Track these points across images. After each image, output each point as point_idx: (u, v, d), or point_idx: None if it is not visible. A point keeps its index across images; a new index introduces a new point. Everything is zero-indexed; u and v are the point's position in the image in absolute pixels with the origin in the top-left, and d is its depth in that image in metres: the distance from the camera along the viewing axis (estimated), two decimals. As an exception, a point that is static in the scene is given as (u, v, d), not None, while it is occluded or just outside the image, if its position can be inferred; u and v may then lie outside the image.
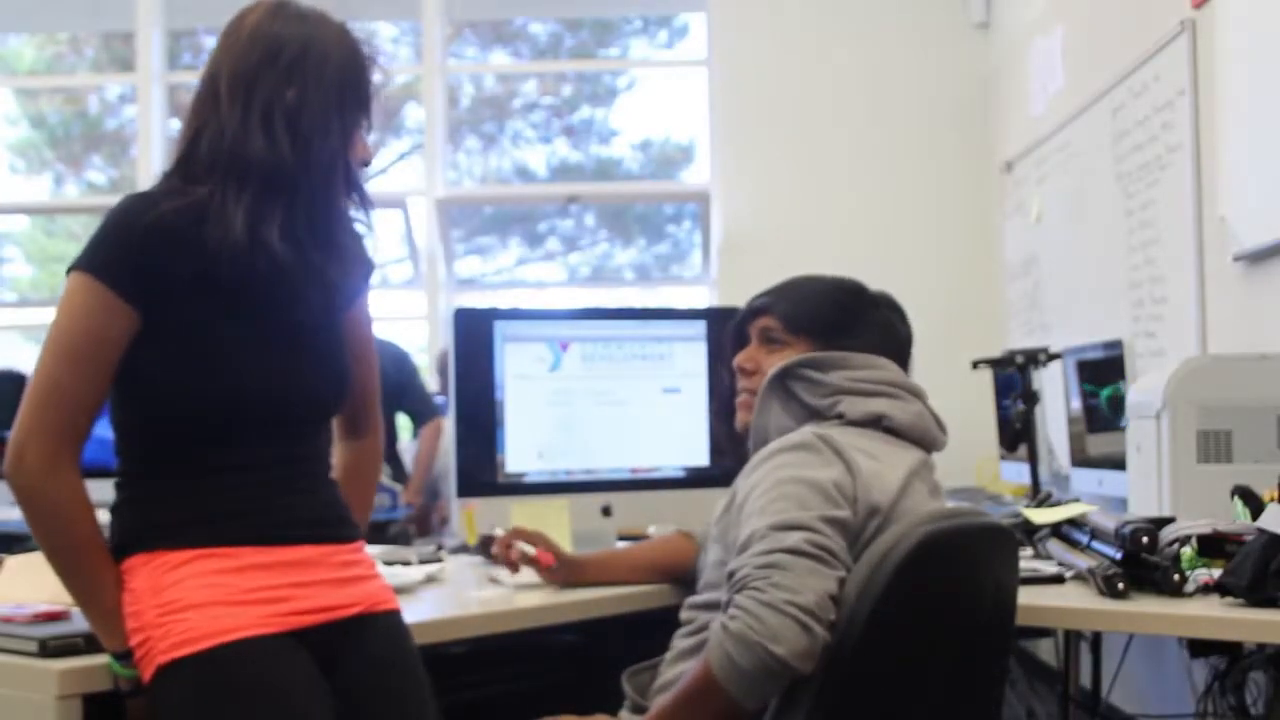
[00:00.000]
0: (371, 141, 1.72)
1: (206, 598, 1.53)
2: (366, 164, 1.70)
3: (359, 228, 1.72)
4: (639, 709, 1.85)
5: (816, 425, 1.81)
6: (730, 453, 2.03)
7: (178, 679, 1.50)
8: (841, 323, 1.92)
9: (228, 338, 1.60)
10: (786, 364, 1.88)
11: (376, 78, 1.69)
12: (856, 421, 1.82)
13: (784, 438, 1.78)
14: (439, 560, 2.43)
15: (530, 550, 2.14)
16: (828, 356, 1.87)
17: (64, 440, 1.52)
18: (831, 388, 1.85)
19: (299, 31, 1.62)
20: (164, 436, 1.60)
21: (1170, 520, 2.10)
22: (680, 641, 1.84)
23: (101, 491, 1.57)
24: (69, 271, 1.56)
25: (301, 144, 1.60)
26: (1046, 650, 4.15)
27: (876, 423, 1.82)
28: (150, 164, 6.37)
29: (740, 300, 2.63)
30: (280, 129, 1.59)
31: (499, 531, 2.25)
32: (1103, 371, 3.33)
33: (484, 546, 2.45)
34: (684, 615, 1.87)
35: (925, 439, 1.87)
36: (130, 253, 1.55)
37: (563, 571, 2.16)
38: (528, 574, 2.18)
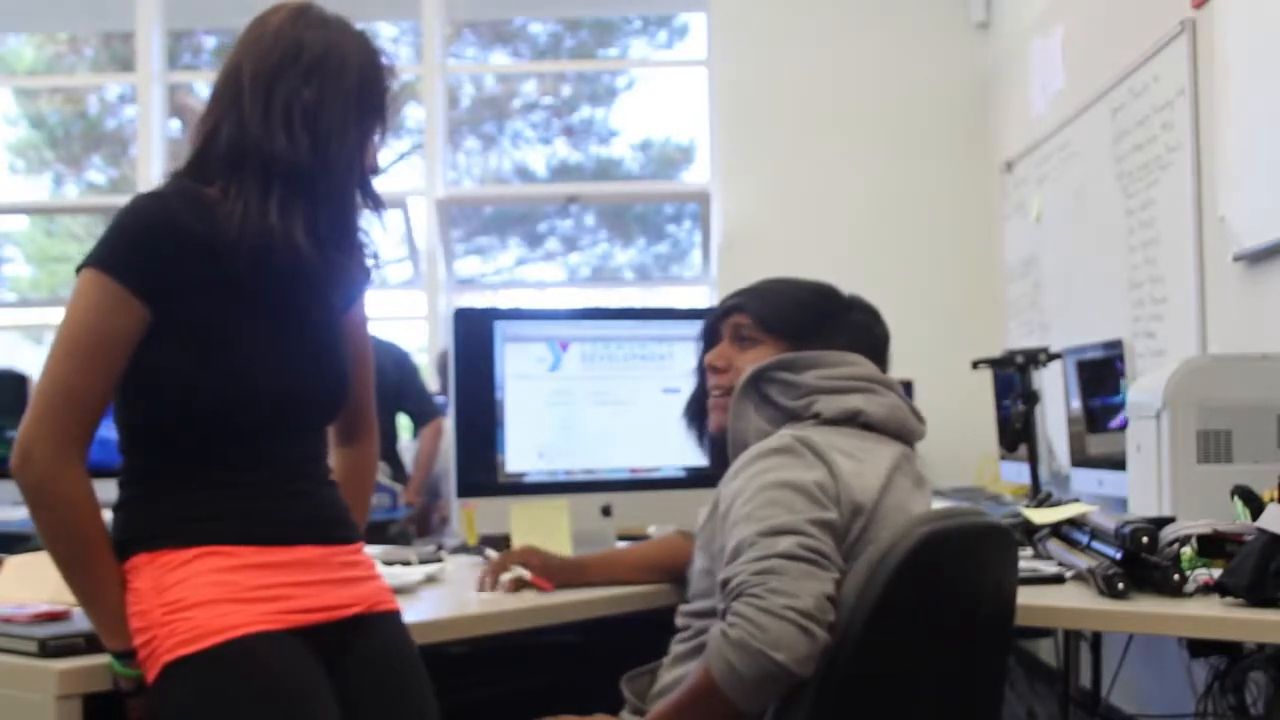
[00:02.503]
0: (379, 155, 1.72)
1: (210, 595, 1.53)
2: (375, 172, 1.71)
3: (366, 233, 1.72)
4: (639, 712, 1.84)
5: (793, 427, 1.80)
6: (705, 452, 2.04)
7: (184, 677, 1.50)
8: (814, 323, 1.90)
9: (238, 336, 1.61)
10: (759, 367, 1.87)
11: (393, 86, 1.70)
12: (832, 420, 1.81)
13: (763, 442, 1.77)
14: (439, 560, 2.43)
15: (526, 574, 2.13)
16: (800, 356, 1.86)
17: (72, 437, 1.52)
18: (805, 388, 1.84)
19: (321, 36, 1.64)
20: (170, 435, 1.60)
21: (1170, 520, 2.10)
22: (677, 646, 1.84)
23: (104, 491, 1.57)
24: (79, 269, 1.56)
25: (320, 145, 1.61)
26: (1046, 650, 4.15)
27: (853, 419, 1.81)
28: (150, 164, 6.37)
29: (740, 300, 2.63)
30: (299, 128, 1.60)
31: (491, 553, 2.24)
32: (1103, 374, 3.33)
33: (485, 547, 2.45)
34: (679, 621, 1.87)
35: (903, 431, 1.86)
36: (143, 250, 1.56)
37: (563, 573, 2.16)
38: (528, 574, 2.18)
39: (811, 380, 1.84)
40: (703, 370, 1.99)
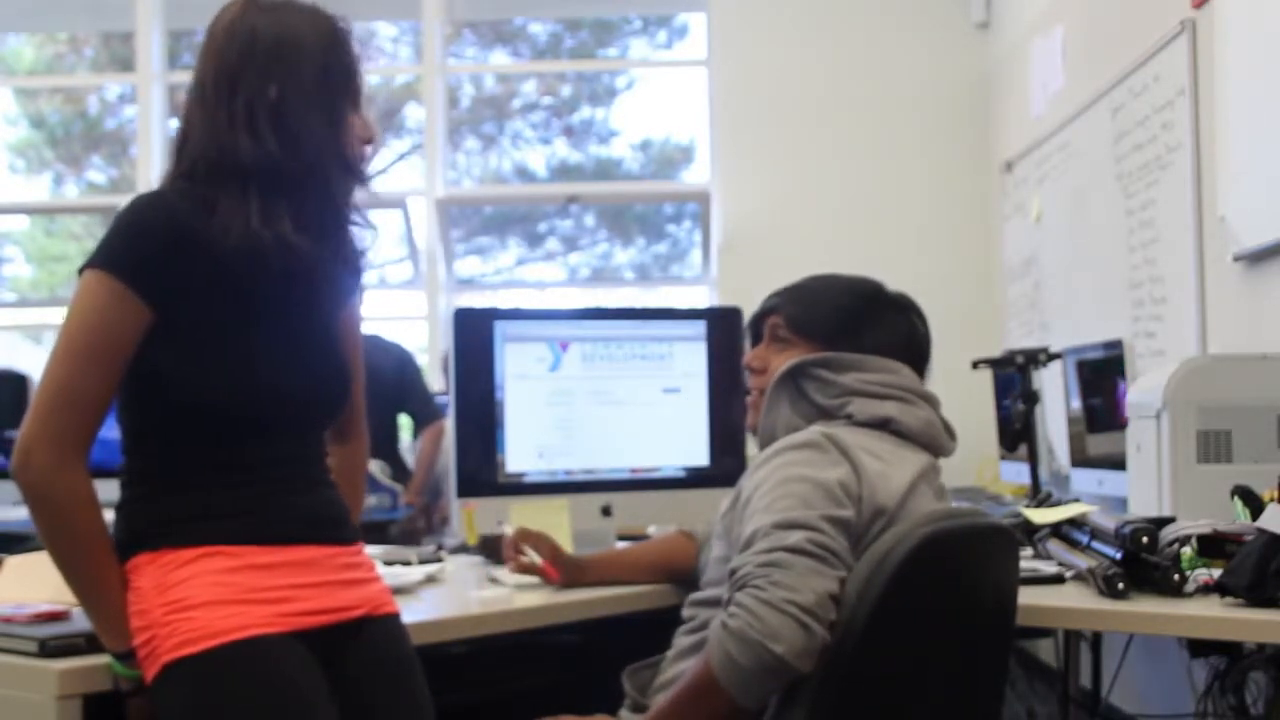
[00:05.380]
0: (370, 125, 1.70)
1: (212, 596, 1.53)
2: (370, 141, 1.68)
3: (357, 227, 1.71)
4: (639, 707, 1.85)
5: (824, 424, 1.81)
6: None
7: (184, 677, 1.50)
8: (848, 326, 1.90)
9: (241, 336, 1.61)
10: (799, 361, 1.87)
11: (355, 50, 1.66)
12: (864, 423, 1.81)
13: (791, 435, 1.78)
14: (439, 560, 2.43)
15: (537, 560, 2.15)
16: (842, 357, 1.87)
17: (72, 439, 1.52)
18: (843, 388, 1.85)
19: (271, 22, 1.61)
20: (173, 435, 1.60)
21: (1170, 520, 2.10)
22: (681, 639, 1.84)
23: (106, 491, 1.57)
24: (81, 270, 1.56)
25: (289, 139, 1.60)
26: (1046, 650, 4.15)
27: (884, 425, 1.82)
28: (150, 164, 6.37)
29: (740, 300, 2.63)
30: (265, 127, 1.59)
31: (507, 529, 2.25)
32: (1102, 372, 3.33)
33: (484, 546, 2.45)
34: (686, 612, 1.87)
35: (934, 445, 1.86)
36: (146, 250, 1.55)
37: (564, 572, 2.16)
38: (539, 560, 2.19)
39: (850, 382, 1.84)
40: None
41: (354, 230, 1.70)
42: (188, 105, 1.64)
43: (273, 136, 1.59)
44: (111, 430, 1.63)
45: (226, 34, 1.61)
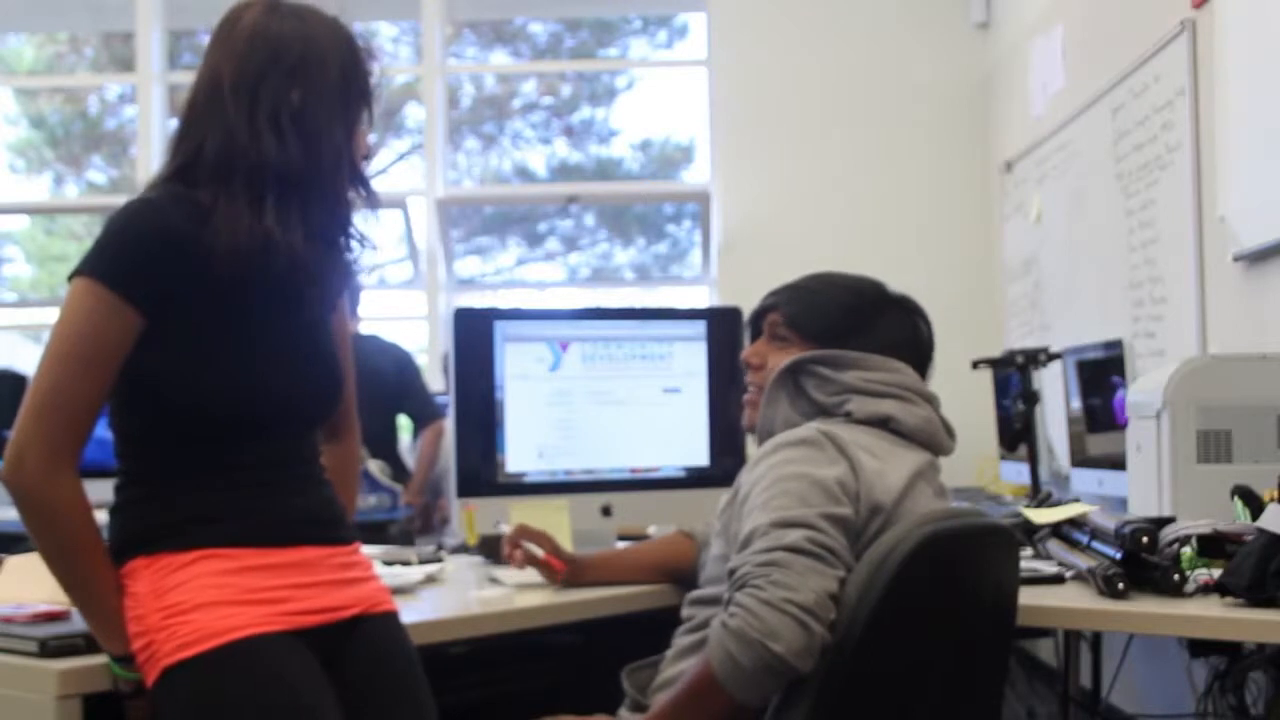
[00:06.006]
0: (371, 139, 1.72)
1: (210, 598, 1.53)
2: (367, 158, 1.71)
3: (359, 229, 1.72)
4: (639, 707, 1.85)
5: (822, 422, 1.80)
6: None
7: (185, 680, 1.50)
8: (847, 326, 1.90)
9: (235, 339, 1.61)
10: (800, 357, 1.87)
11: (374, 69, 1.69)
12: (863, 420, 1.81)
13: (788, 433, 1.78)
14: (439, 560, 2.43)
15: (539, 553, 2.15)
16: (843, 355, 1.87)
17: (64, 445, 1.51)
18: (843, 385, 1.84)
19: (297, 30, 1.62)
20: (167, 438, 1.60)
21: (1170, 520, 2.10)
22: (681, 639, 1.84)
23: (101, 492, 1.56)
24: (71, 277, 1.56)
25: (310, 144, 1.61)
26: (1046, 650, 4.16)
27: (883, 424, 1.82)
28: (150, 164, 6.37)
29: (740, 300, 2.63)
30: (289, 131, 1.59)
31: (504, 528, 2.25)
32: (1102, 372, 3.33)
33: (484, 546, 2.45)
34: (685, 611, 1.87)
35: (932, 443, 1.86)
36: (136, 257, 1.55)
37: (564, 571, 2.16)
38: (528, 574, 2.19)
39: (850, 379, 1.84)
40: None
41: (352, 237, 1.71)
42: (194, 103, 1.63)
43: (296, 140, 1.60)
44: (107, 431, 1.63)
45: (249, 37, 1.61)
